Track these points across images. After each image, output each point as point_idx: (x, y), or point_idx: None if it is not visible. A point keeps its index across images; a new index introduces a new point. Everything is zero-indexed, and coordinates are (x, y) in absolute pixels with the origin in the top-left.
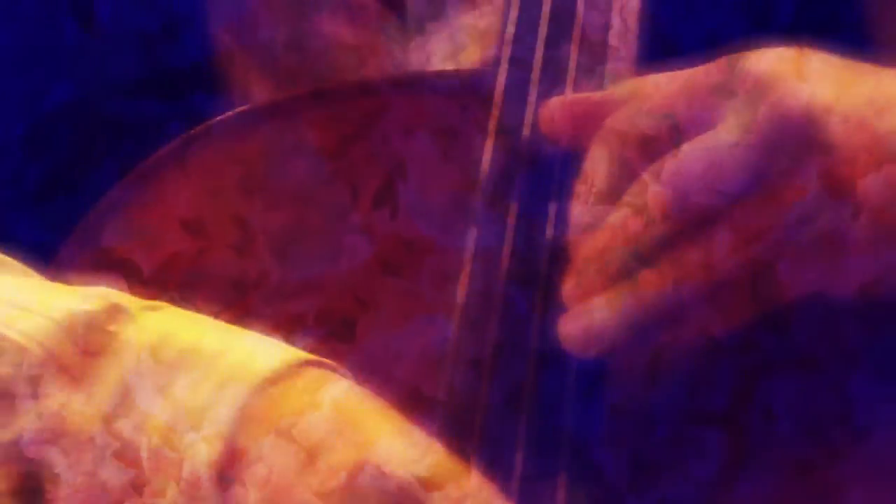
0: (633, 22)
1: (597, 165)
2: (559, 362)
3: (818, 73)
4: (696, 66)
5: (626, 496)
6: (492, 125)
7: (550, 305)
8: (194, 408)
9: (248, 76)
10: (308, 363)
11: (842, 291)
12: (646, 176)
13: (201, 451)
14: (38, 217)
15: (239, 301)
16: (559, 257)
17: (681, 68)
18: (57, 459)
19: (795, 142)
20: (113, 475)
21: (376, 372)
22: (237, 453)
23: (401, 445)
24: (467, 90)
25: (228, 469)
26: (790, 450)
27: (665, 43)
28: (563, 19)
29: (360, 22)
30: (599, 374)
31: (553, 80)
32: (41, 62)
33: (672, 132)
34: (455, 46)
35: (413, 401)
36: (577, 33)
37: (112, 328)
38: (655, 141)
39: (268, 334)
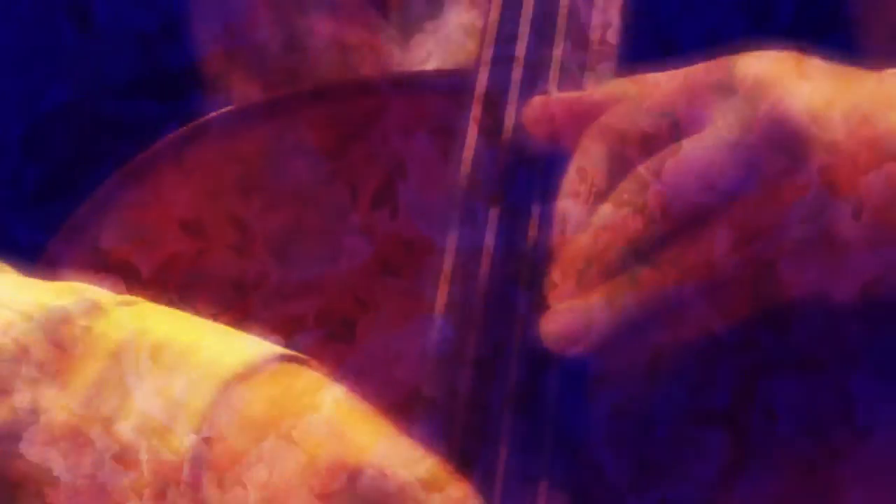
0: (616, 18)
1: (595, 164)
2: (559, 362)
3: (818, 72)
4: (696, 64)
5: (626, 496)
6: (473, 125)
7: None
8: (168, 403)
9: (245, 76)
10: (281, 358)
11: (842, 290)
12: (646, 174)
13: (173, 445)
14: (36, 218)
15: (238, 302)
16: (553, 255)
17: (680, 67)
18: (31, 450)
19: (796, 140)
20: (85, 468)
21: (376, 372)
22: (218, 449)
23: (401, 447)
24: (467, 89)
25: (202, 464)
26: (791, 449)
27: (664, 42)
28: (546, 17)
29: (357, 22)
30: (597, 374)
31: (537, 78)
32: (39, 63)
33: (672, 130)
34: (454, 45)
35: (413, 401)
36: (560, 31)
37: (85, 323)
38: (655, 139)
39: (268, 335)
